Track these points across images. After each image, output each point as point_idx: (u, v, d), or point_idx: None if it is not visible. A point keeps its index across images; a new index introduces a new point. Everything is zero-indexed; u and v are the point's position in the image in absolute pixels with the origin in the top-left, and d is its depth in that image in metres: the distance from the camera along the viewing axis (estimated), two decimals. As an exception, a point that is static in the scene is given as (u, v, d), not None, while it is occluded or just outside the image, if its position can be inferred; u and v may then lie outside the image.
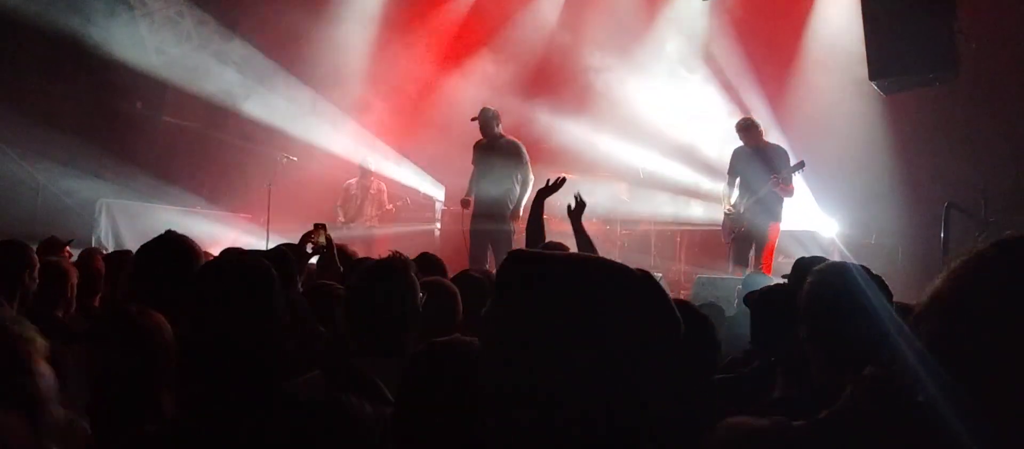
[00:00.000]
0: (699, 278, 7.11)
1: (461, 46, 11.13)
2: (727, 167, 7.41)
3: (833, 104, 8.96)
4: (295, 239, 3.81)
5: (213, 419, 1.65)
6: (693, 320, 1.84)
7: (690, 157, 9.69)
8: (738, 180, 7.22)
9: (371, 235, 9.19)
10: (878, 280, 2.09)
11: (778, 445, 1.43)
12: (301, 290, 3.13)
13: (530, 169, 7.18)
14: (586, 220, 3.88)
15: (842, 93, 8.78)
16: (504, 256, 1.12)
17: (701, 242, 9.41)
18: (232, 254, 2.69)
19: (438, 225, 10.45)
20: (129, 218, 9.13)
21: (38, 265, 3.31)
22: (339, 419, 1.65)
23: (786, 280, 2.93)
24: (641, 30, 10.40)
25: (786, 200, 7.03)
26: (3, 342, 1.38)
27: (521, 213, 7.06)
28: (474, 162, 7.39)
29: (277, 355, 1.82)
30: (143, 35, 9.77)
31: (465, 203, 7.34)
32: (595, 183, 9.07)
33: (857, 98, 8.60)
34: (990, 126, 8.17)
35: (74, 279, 3.49)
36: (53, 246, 4.83)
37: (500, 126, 7.27)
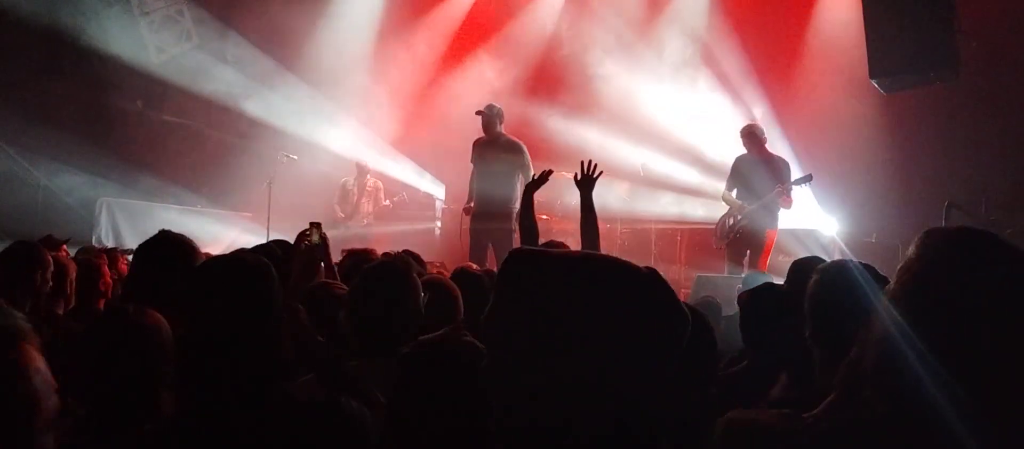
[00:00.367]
0: (699, 277, 7.09)
1: (461, 44, 11.12)
2: (729, 171, 7.39)
3: (834, 103, 8.96)
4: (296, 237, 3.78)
5: (212, 418, 1.64)
6: (693, 320, 1.82)
7: (691, 156, 9.67)
8: (736, 188, 7.22)
9: (370, 233, 9.17)
10: (883, 280, 2.07)
11: (788, 438, 1.42)
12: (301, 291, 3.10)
13: (532, 168, 7.12)
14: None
15: (843, 92, 8.78)
16: (505, 255, 1.11)
17: (702, 242, 9.39)
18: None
19: (438, 224, 10.44)
20: (129, 217, 9.14)
21: (52, 265, 3.30)
22: (338, 420, 1.64)
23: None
24: (642, 29, 10.39)
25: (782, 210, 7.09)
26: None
27: None
28: (473, 160, 7.31)
29: (276, 354, 1.81)
30: (143, 34, 9.76)
31: (467, 211, 7.29)
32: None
33: (858, 97, 8.61)
34: (990, 126, 8.16)
35: (73, 274, 3.48)
36: (49, 245, 4.80)
37: (502, 125, 7.24)
